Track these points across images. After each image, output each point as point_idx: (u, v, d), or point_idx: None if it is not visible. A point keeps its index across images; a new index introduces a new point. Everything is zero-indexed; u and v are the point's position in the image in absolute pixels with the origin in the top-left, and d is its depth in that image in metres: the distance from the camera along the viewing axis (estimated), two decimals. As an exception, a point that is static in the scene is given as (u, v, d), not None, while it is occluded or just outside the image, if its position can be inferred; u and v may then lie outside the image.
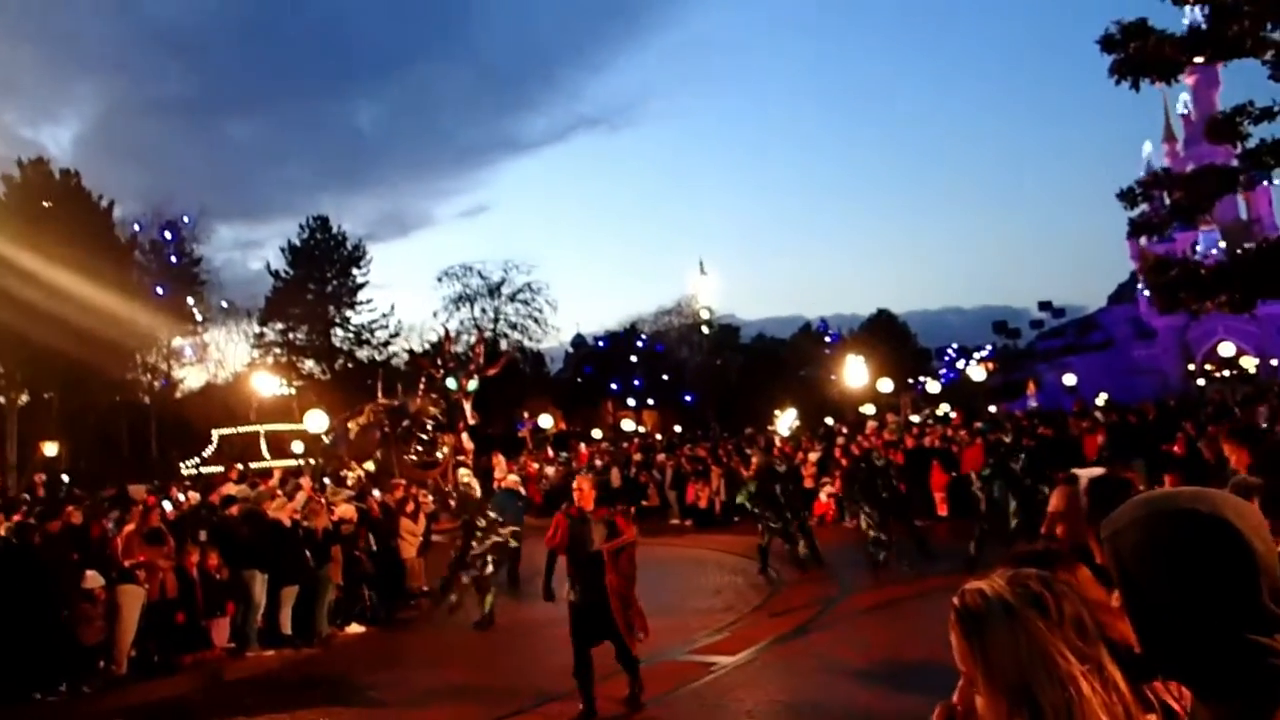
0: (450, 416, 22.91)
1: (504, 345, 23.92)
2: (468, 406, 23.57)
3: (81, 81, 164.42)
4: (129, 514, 12.53)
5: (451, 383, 23.51)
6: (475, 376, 24.20)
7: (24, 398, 39.43)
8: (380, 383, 26.14)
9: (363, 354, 55.46)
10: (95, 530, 12.28)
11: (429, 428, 22.55)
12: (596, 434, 46.66)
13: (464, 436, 22.75)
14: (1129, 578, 1.42)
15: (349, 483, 21.17)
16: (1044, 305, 72.37)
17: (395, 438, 22.71)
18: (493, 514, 13.75)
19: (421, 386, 24.38)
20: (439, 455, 22.20)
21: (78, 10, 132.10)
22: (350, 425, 24.55)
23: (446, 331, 31.92)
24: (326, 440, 25.66)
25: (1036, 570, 1.60)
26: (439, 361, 24.79)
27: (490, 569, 13.28)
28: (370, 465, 22.68)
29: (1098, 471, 3.26)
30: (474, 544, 13.32)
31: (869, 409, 37.72)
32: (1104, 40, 20.09)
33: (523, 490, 21.04)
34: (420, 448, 22.51)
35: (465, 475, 15.09)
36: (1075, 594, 1.55)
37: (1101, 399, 37.44)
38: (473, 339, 36.00)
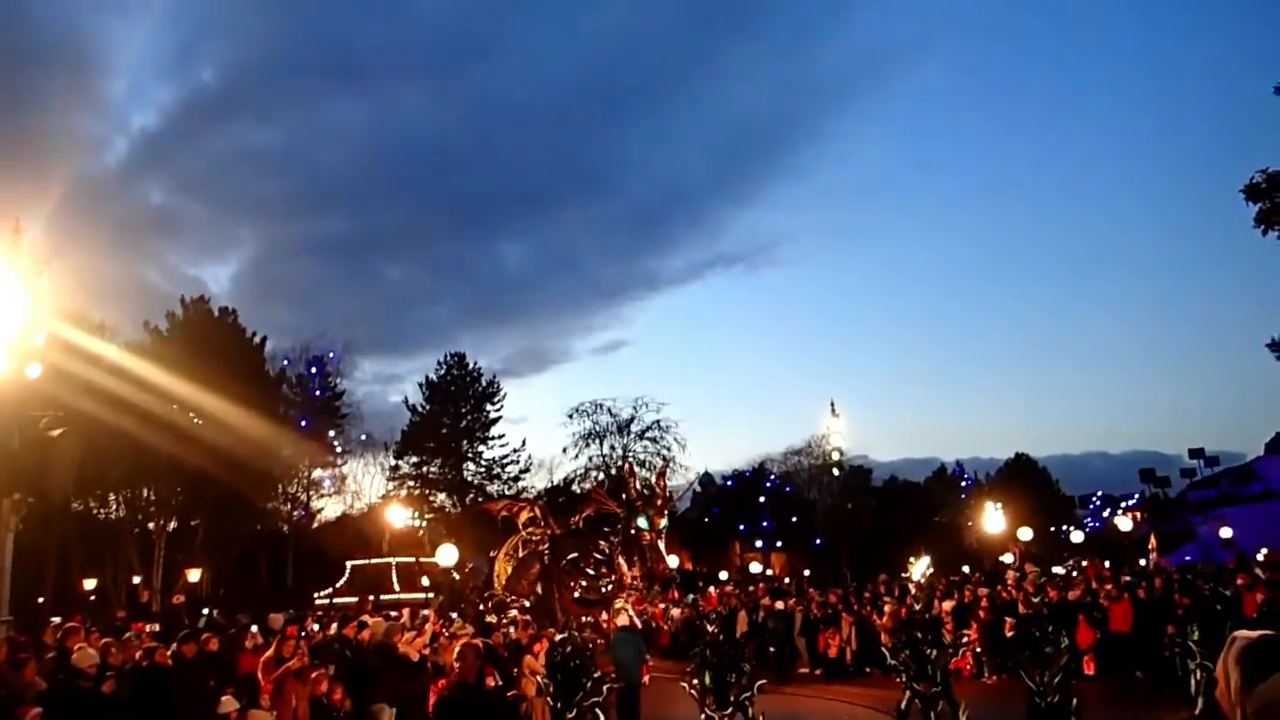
0: (641, 557, 22.00)
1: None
2: (662, 545, 22.39)
3: (242, 225, 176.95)
4: (269, 642, 12.88)
5: (643, 521, 21.98)
6: (665, 514, 22.91)
7: (172, 524, 41.32)
8: (538, 512, 24.87)
9: (493, 488, 56.35)
10: (240, 658, 12.63)
11: (597, 562, 21.73)
12: (724, 575, 45.86)
13: (624, 570, 21.96)
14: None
15: (508, 617, 21.08)
16: (1195, 452, 68.87)
17: (559, 571, 21.87)
18: (596, 674, 13.05)
19: (588, 516, 23.22)
20: (604, 591, 21.53)
21: (244, 163, 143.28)
22: (500, 559, 24.13)
23: (630, 466, 29.98)
24: (456, 575, 25.73)
25: None
26: (624, 496, 23.16)
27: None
28: (526, 602, 22.04)
29: (1252, 635, 3.08)
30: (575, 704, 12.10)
31: (1008, 557, 36.18)
32: (1248, 189, 19.63)
33: (639, 626, 20.69)
34: (585, 582, 21.70)
35: (624, 609, 14.51)
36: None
37: (1262, 554, 34.98)
38: (652, 475, 33.87)
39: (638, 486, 23.20)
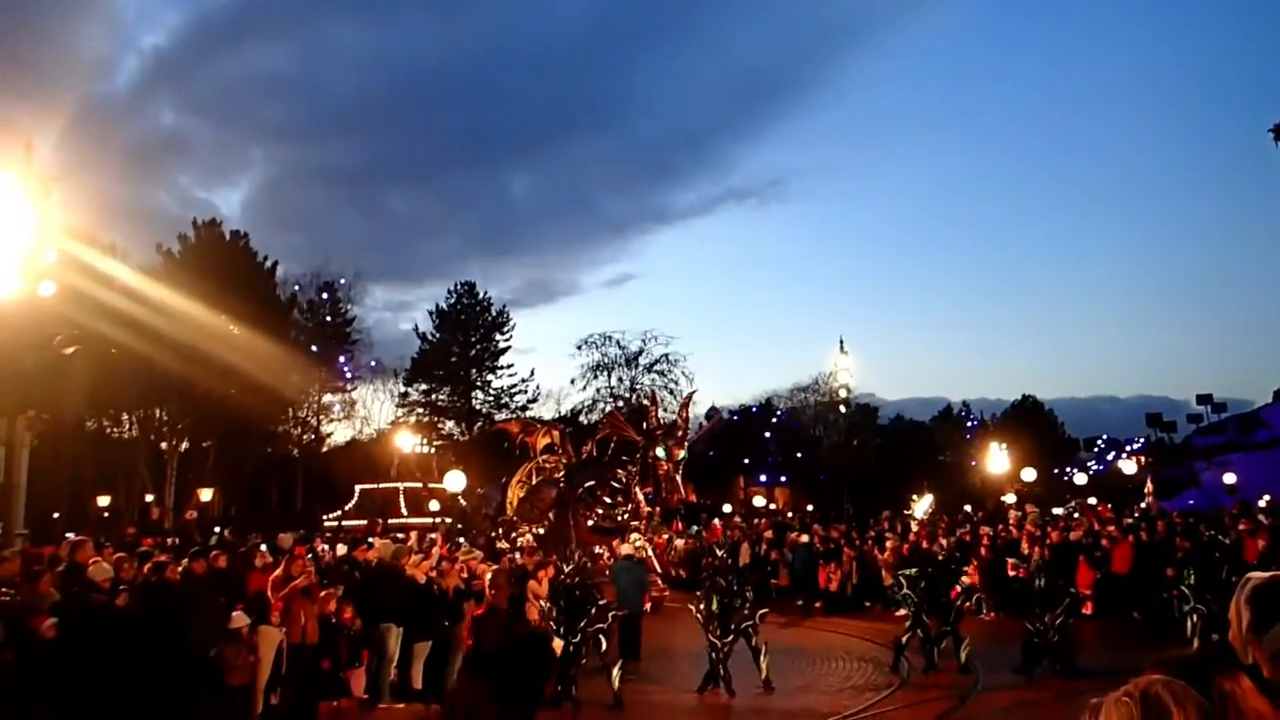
0: (655, 486, 21.85)
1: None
2: (678, 478, 22.22)
3: (254, 148, 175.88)
4: (278, 561, 13.07)
5: (661, 451, 21.83)
6: (685, 445, 22.65)
7: (184, 445, 41.76)
8: (556, 437, 24.50)
9: (501, 417, 56.74)
10: (249, 576, 12.83)
11: (613, 490, 21.55)
12: (727, 508, 46.28)
13: (643, 502, 21.84)
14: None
15: (520, 544, 21.14)
16: (1203, 399, 68.62)
17: (575, 499, 21.66)
18: (602, 601, 13.13)
19: (612, 447, 23.03)
20: (620, 520, 21.42)
21: (256, 87, 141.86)
22: (512, 485, 24.04)
23: (652, 394, 29.49)
24: (464, 501, 25.78)
25: (1167, 681, 1.56)
26: (644, 426, 23.02)
27: (604, 647, 12.82)
28: (540, 529, 21.92)
29: (1265, 576, 3.09)
30: (579, 629, 12.52)
31: (1010, 498, 36.42)
32: (1277, 129, 19.35)
33: (646, 556, 20.77)
34: (601, 511, 21.53)
35: (638, 541, 14.52)
36: (1235, 704, 1.51)
37: (1264, 500, 35.15)
38: (679, 403, 32.62)
39: (659, 416, 22.98)
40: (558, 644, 11.97)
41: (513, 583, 14.87)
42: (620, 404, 37.92)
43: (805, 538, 24.41)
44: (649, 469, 21.89)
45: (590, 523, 21.39)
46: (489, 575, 9.01)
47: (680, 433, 22.58)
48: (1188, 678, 1.65)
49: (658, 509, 22.60)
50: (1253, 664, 2.71)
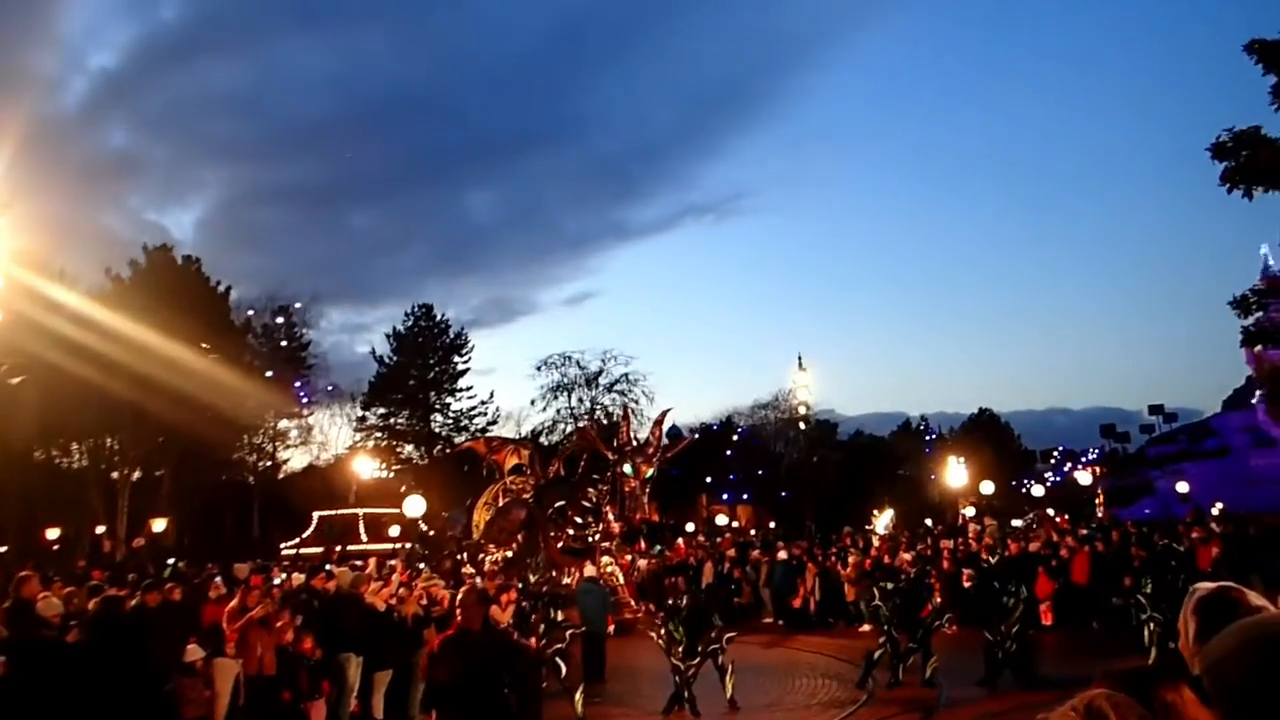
0: (620, 504, 21.44)
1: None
2: (644, 496, 21.88)
3: (206, 169, 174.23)
4: (233, 592, 12.87)
5: (628, 468, 21.55)
6: (654, 463, 22.25)
7: (136, 474, 41.02)
8: (525, 456, 24.30)
9: (461, 440, 56.33)
10: (204, 608, 12.61)
11: (584, 509, 21.22)
12: (690, 527, 46.26)
13: (612, 521, 21.49)
14: (1234, 708, 1.39)
15: (486, 567, 20.85)
16: (1155, 409, 70.05)
17: (545, 519, 21.35)
18: (561, 616, 13.10)
19: (582, 465, 22.78)
20: (590, 541, 21.09)
21: (208, 106, 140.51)
22: (478, 507, 23.62)
23: (626, 410, 28.93)
24: (424, 526, 25.49)
25: (1109, 695, 1.57)
26: (615, 442, 22.61)
27: (563, 669, 12.77)
28: (508, 552, 21.59)
29: (1211, 587, 3.13)
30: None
31: (969, 511, 36.77)
32: (1215, 148, 19.72)
33: (612, 579, 20.59)
34: (573, 531, 21.16)
35: (608, 564, 14.33)
36: (1176, 713, 1.53)
37: (1217, 508, 35.84)
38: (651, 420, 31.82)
39: (631, 433, 22.74)
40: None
41: (484, 601, 14.77)
42: (586, 422, 37.68)
43: (784, 554, 24.18)
44: (617, 486, 21.67)
45: (560, 544, 21.13)
46: (460, 595, 8.92)
47: (651, 450, 22.29)
48: (1134, 689, 1.67)
49: (622, 525, 22.43)
50: (1199, 674, 2.75)
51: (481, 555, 22.38)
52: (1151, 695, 1.62)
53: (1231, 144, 19.59)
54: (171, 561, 26.63)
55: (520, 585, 17.09)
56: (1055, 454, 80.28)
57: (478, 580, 18.00)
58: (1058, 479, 68.67)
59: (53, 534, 36.01)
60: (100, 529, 38.34)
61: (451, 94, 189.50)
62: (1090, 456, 69.91)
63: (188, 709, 10.80)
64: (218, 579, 14.46)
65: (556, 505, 21.58)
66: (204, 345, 36.45)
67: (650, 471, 21.91)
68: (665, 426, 22.80)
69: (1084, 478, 53.36)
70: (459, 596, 8.83)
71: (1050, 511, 41.12)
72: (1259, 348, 30.48)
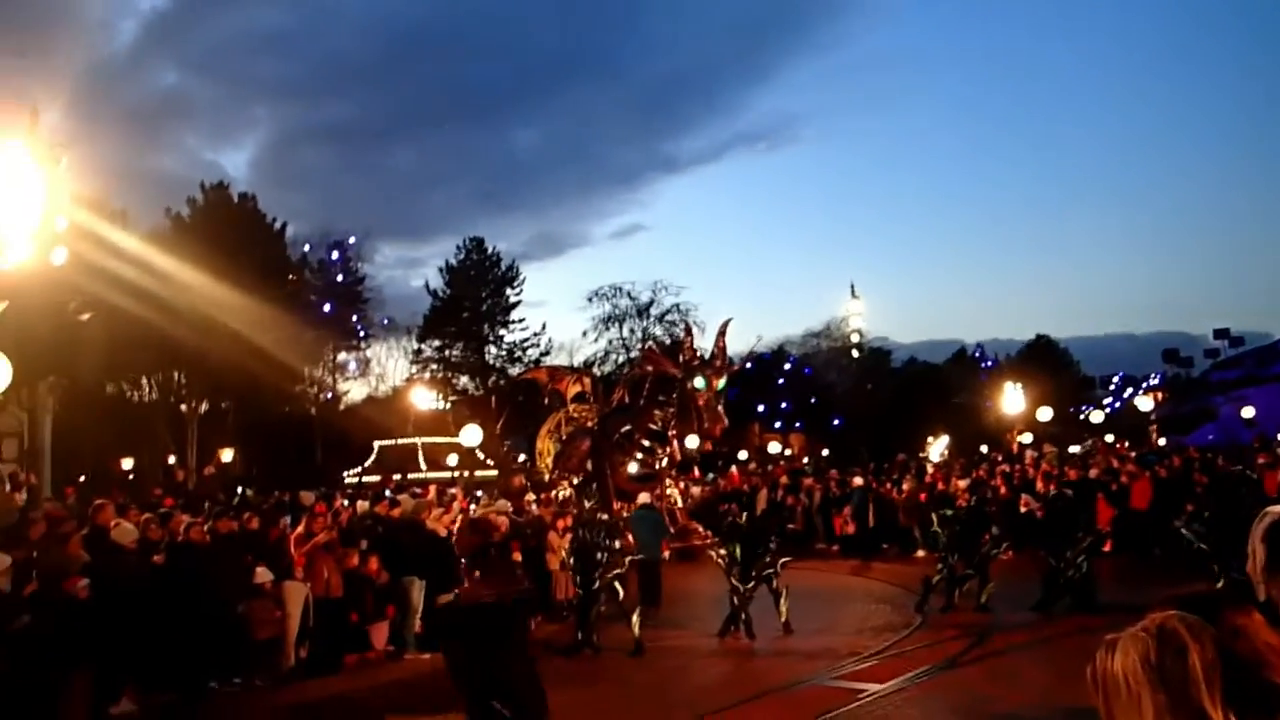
0: (697, 419, 20.95)
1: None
2: (720, 408, 21.31)
3: (258, 107, 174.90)
4: (300, 518, 13.24)
5: (700, 382, 20.98)
6: (723, 375, 21.61)
7: (203, 407, 42.08)
8: (586, 385, 23.89)
9: (514, 371, 56.78)
10: (273, 533, 12.97)
11: (651, 434, 20.89)
12: (743, 455, 46.40)
13: (675, 446, 21.22)
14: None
15: (558, 496, 20.73)
16: (1220, 333, 68.27)
17: (611, 446, 21.09)
18: (617, 544, 13.09)
19: (646, 388, 22.08)
20: (658, 467, 20.86)
21: (256, 44, 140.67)
22: (541, 436, 23.53)
23: (688, 326, 27.81)
24: (481, 455, 25.53)
25: (1182, 616, 1.56)
26: (680, 359, 22.11)
27: (621, 594, 12.87)
28: (577, 479, 21.36)
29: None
30: (595, 578, 12.46)
31: (1026, 438, 36.38)
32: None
33: (673, 503, 20.55)
34: (641, 456, 20.89)
35: (670, 490, 14.10)
36: (1246, 637, 1.52)
37: (1283, 434, 35.05)
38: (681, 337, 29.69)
39: (694, 347, 22.35)
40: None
41: (527, 534, 15.06)
42: (643, 347, 37.42)
43: (860, 480, 23.98)
44: (688, 403, 21.27)
45: (630, 469, 20.80)
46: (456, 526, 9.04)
47: (719, 362, 21.84)
48: (1201, 613, 1.66)
49: (694, 447, 21.91)
50: (1266, 600, 2.73)
51: (555, 490, 22.11)
52: (1219, 619, 1.61)
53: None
54: (241, 490, 27.40)
55: (576, 513, 17.25)
56: (1116, 380, 78.80)
57: (534, 507, 18.16)
58: (1117, 405, 67.51)
59: (127, 464, 37.19)
60: (171, 459, 39.53)
61: (495, 28, 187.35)
62: (1152, 382, 68.57)
63: (260, 629, 11.21)
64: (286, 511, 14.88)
65: (623, 431, 21.30)
66: (262, 282, 36.92)
67: (721, 383, 21.42)
68: (727, 338, 22.35)
69: (1144, 403, 52.40)
70: (456, 527, 8.92)
71: (1110, 438, 40.56)
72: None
